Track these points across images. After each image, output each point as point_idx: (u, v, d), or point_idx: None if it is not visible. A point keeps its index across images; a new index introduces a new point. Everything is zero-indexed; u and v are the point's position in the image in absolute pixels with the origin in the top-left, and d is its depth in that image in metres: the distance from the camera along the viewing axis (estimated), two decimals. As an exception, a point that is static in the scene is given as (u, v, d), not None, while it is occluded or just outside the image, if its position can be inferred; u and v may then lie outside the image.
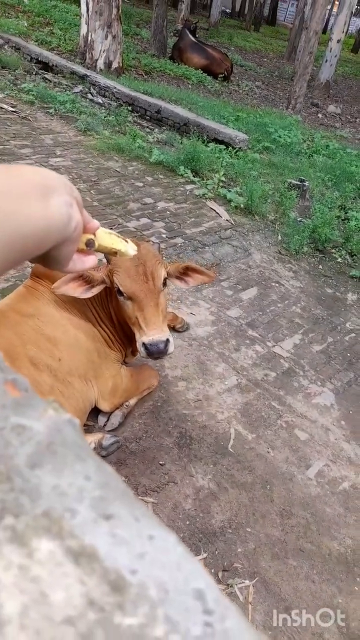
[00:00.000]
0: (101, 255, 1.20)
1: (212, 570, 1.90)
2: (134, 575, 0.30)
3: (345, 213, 5.34)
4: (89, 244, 0.79)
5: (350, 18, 12.76)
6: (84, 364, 2.14)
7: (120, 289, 2.00)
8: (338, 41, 12.26)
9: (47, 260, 0.67)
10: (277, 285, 4.00)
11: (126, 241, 0.93)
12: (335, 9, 16.20)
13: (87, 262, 0.79)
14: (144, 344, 1.94)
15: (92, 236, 0.79)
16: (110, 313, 2.28)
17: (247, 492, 2.24)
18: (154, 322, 1.97)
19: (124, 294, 2.00)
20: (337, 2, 12.84)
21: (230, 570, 1.92)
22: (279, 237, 4.70)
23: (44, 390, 1.91)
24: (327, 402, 2.91)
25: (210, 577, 0.32)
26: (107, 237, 0.87)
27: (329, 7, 21.71)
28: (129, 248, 0.93)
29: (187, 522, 2.05)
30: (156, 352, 1.94)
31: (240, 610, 0.30)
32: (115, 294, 2.07)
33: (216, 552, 1.97)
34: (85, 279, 2.02)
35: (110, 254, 0.91)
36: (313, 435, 2.65)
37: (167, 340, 1.96)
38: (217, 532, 2.04)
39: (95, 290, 2.05)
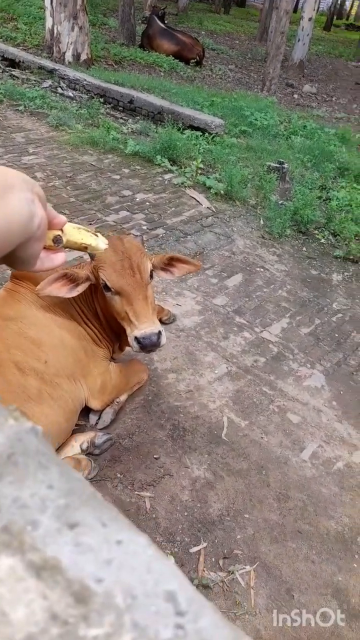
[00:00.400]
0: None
1: (213, 559, 1.92)
2: (99, 583, 0.30)
3: (327, 193, 5.33)
4: (57, 240, 0.77)
5: (319, -5, 12.65)
6: (71, 364, 2.12)
7: (108, 284, 1.98)
8: (310, 19, 12.17)
9: (13, 261, 0.65)
10: (261, 270, 3.99)
11: (96, 235, 0.91)
12: (304, -13, 16.06)
13: (56, 259, 0.77)
14: (136, 338, 1.93)
15: (59, 232, 0.77)
16: (95, 310, 2.26)
17: (243, 478, 2.25)
18: (145, 315, 1.96)
19: (112, 289, 1.99)
20: (305, -20, 12.70)
21: (230, 557, 1.93)
22: (261, 222, 4.69)
23: (31, 395, 1.89)
24: (318, 383, 2.92)
25: (184, 577, 0.31)
26: (75, 232, 0.85)
27: (297, -15, 21.54)
28: (99, 242, 0.91)
29: (185, 513, 2.06)
30: (149, 345, 1.93)
31: (215, 608, 0.30)
32: (102, 290, 2.05)
33: (216, 541, 1.98)
34: (69, 277, 2.00)
35: (80, 250, 0.89)
36: (305, 417, 2.66)
37: (159, 332, 1.95)
38: (215, 521, 2.05)
39: (81, 289, 2.03)
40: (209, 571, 1.87)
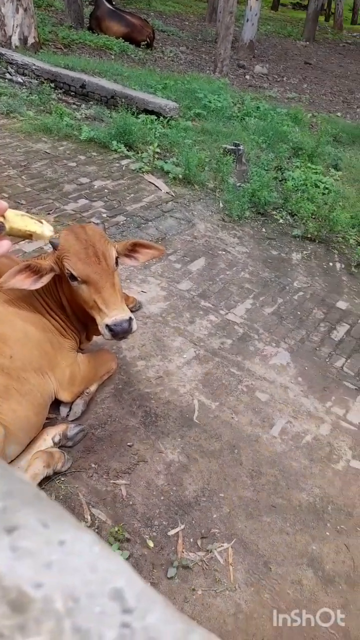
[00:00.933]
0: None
1: (192, 539, 1.95)
2: (38, 589, 0.28)
3: (282, 174, 5.39)
4: None
5: (266, -26, 12.60)
6: (37, 357, 2.09)
7: (74, 273, 1.95)
8: (257, -1, 12.12)
9: None
10: (223, 253, 4.02)
11: (41, 222, 0.89)
12: (251, -34, 15.92)
13: (0, 247, 0.74)
14: (107, 325, 1.92)
15: (1, 219, 0.74)
16: (60, 300, 2.22)
17: (216, 459, 2.29)
18: (114, 302, 1.95)
19: (78, 279, 1.96)
20: None
21: (208, 536, 1.97)
22: (221, 205, 4.70)
23: (-2, 392, 1.85)
24: (283, 361, 2.99)
25: (133, 572, 0.31)
26: (18, 220, 0.82)
27: None
28: (44, 229, 0.89)
29: (162, 498, 2.08)
30: (121, 331, 1.93)
31: (167, 601, 0.30)
32: (67, 280, 2.02)
33: (193, 522, 2.01)
34: (32, 269, 1.96)
35: (24, 237, 0.86)
36: (273, 395, 2.73)
37: (130, 318, 1.95)
38: (191, 503, 2.08)
39: (45, 280, 2.00)
40: (188, 552, 1.90)
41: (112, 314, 1.92)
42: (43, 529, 0.31)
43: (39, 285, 1.98)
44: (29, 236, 0.85)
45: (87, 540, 0.31)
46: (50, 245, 2.03)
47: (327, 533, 2.05)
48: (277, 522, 2.06)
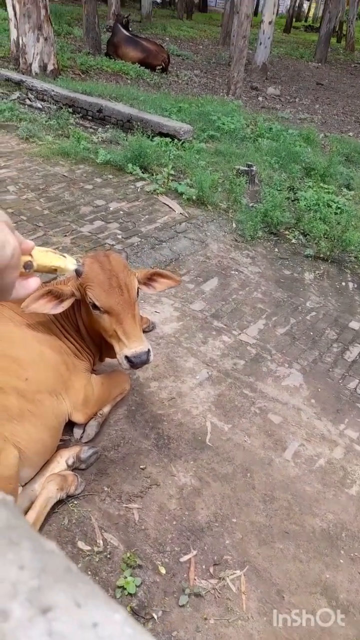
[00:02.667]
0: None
1: (204, 566, 1.93)
2: None
3: (294, 194, 5.43)
4: (27, 266, 0.77)
5: (279, -1, 12.88)
6: (52, 379, 2.12)
7: (97, 304, 1.99)
8: (270, 23, 12.36)
9: None
10: (236, 273, 4.04)
11: (64, 256, 0.92)
12: (263, -9, 16.29)
13: (30, 285, 0.76)
14: (127, 357, 1.96)
15: (29, 258, 0.77)
16: (76, 323, 2.27)
17: (229, 483, 2.28)
18: (134, 334, 1.99)
19: (101, 309, 2.00)
20: (264, -16, 12.91)
21: (220, 563, 1.95)
22: (234, 225, 4.75)
23: (13, 414, 1.88)
24: (296, 382, 2.98)
25: None
26: (43, 256, 0.86)
27: (257, -12, 21.83)
28: (67, 263, 0.92)
29: (174, 522, 2.07)
30: (139, 363, 1.98)
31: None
32: (86, 305, 2.06)
33: (205, 548, 1.99)
34: (54, 294, 2.02)
35: (50, 272, 0.90)
36: (286, 417, 2.71)
37: (149, 350, 2.00)
38: (204, 528, 2.07)
39: (66, 305, 2.05)
40: (200, 579, 1.88)
41: (132, 346, 1.96)
42: (76, 608, 0.31)
43: (59, 310, 2.03)
44: (53, 271, 0.89)
45: (118, 620, 0.31)
46: (75, 273, 2.07)
47: (341, 560, 2.01)
48: (290, 549, 2.04)
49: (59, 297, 2.03)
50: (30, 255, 0.77)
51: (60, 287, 2.05)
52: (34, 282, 0.77)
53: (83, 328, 2.27)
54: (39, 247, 0.84)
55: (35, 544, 0.34)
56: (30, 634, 0.28)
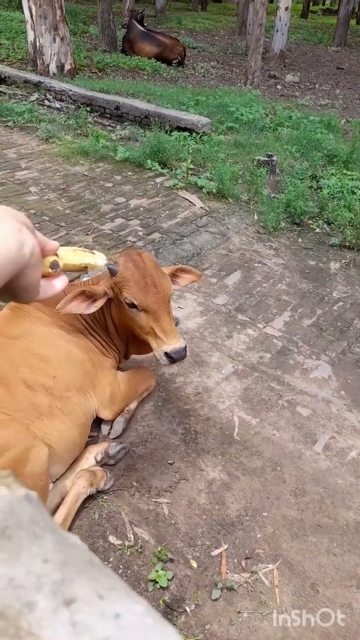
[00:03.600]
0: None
1: (235, 560, 1.92)
2: None
3: (317, 182, 5.32)
4: (54, 266, 0.77)
5: (295, -16, 12.61)
6: (79, 377, 2.13)
7: (134, 302, 2.03)
8: (286, 9, 12.13)
9: (15, 293, 0.64)
10: (259, 265, 3.99)
11: (92, 253, 0.91)
12: (279, -24, 15.97)
13: (57, 285, 0.77)
14: (166, 353, 2.03)
15: (55, 257, 0.77)
16: (104, 321, 2.29)
17: (259, 477, 2.26)
18: (172, 331, 2.06)
19: (138, 307, 2.04)
20: (279, -31, 12.64)
21: (252, 557, 1.94)
22: (255, 217, 4.69)
23: (43, 411, 1.90)
24: (325, 374, 2.93)
25: None
26: (71, 255, 0.85)
27: (272, -25, 21.44)
28: (97, 260, 0.91)
29: (204, 517, 2.07)
30: (178, 359, 2.06)
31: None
32: (120, 305, 2.10)
33: (236, 542, 1.98)
34: (87, 294, 2.05)
35: (80, 271, 0.89)
36: (315, 409, 2.67)
37: (185, 346, 2.07)
38: (234, 522, 2.06)
39: (99, 304, 2.08)
40: (232, 573, 1.88)
41: (171, 342, 2.03)
42: (98, 600, 0.31)
43: (92, 309, 2.06)
44: (84, 269, 0.88)
45: (139, 611, 0.32)
46: (108, 271, 2.10)
47: (377, 554, 1.97)
48: (324, 542, 2.01)
49: (91, 297, 2.05)
50: (56, 255, 0.77)
51: (92, 287, 2.07)
52: (61, 282, 0.77)
53: (112, 325, 2.29)
54: (65, 247, 0.84)
55: (58, 537, 0.35)
56: (55, 625, 0.29)
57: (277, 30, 12.47)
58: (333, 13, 26.31)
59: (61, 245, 0.79)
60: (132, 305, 2.04)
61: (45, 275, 0.76)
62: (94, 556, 0.35)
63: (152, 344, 2.09)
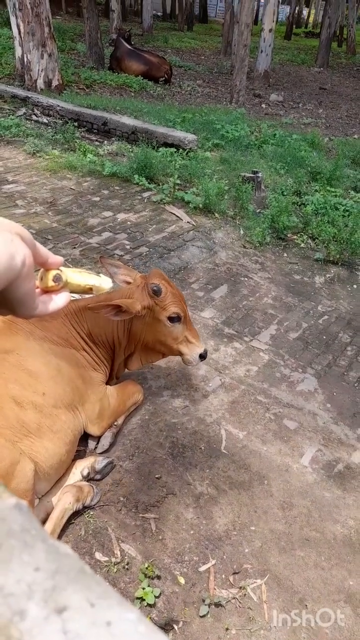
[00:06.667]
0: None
1: (223, 576, 1.91)
2: None
3: (301, 198, 5.42)
4: (56, 279, 0.76)
5: (278, 7, 12.98)
6: (69, 393, 2.11)
7: (181, 315, 2.27)
8: (270, 30, 12.46)
9: (8, 306, 0.64)
10: (246, 279, 4.03)
11: (99, 275, 0.90)
12: (262, 0, 16.45)
13: (59, 301, 0.75)
14: (201, 355, 2.37)
15: (57, 271, 0.76)
16: (111, 336, 2.33)
17: (246, 490, 2.25)
18: (198, 336, 2.40)
19: (181, 320, 2.28)
20: (263, -7, 13.06)
21: (240, 572, 1.92)
22: (241, 232, 4.75)
23: (31, 429, 1.88)
24: (311, 387, 2.95)
25: None
26: (76, 275, 0.84)
27: (256, -2, 22.01)
28: (102, 282, 0.90)
29: (192, 532, 2.05)
30: (206, 356, 2.43)
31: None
32: (156, 321, 2.26)
33: (224, 557, 1.97)
34: (122, 310, 2.10)
35: (84, 292, 0.87)
36: (302, 422, 2.68)
37: None
38: (222, 537, 2.04)
39: (125, 316, 2.14)
40: (220, 589, 1.86)
41: (201, 345, 2.38)
42: (90, 608, 0.31)
43: (117, 318, 2.13)
44: (88, 290, 0.87)
45: (132, 619, 0.32)
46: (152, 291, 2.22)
47: (365, 568, 1.97)
48: (312, 556, 2.00)
49: (124, 310, 2.11)
50: (59, 270, 0.76)
51: (130, 304, 2.13)
52: (63, 298, 0.76)
53: (124, 340, 2.36)
54: (70, 267, 0.83)
55: (49, 546, 0.35)
56: (46, 633, 0.29)
57: (262, 51, 12.78)
58: (315, 36, 27.07)
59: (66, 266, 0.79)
60: (176, 320, 2.26)
61: (47, 290, 0.76)
62: (85, 565, 0.35)
63: (183, 350, 2.34)
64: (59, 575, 0.33)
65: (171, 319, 2.26)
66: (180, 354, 2.38)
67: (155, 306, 2.23)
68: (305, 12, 39.97)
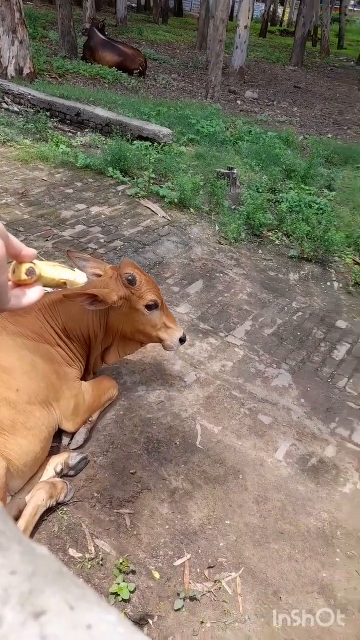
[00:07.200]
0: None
1: (199, 570, 1.91)
2: None
3: (276, 196, 5.46)
4: (30, 272, 0.74)
5: (254, 4, 13.02)
6: (43, 389, 2.07)
7: (158, 302, 2.28)
8: (245, 27, 12.48)
9: None
10: (221, 275, 4.04)
11: (73, 270, 0.89)
12: (238, -4, 16.45)
13: (32, 294, 0.74)
14: (180, 338, 2.39)
15: (31, 264, 0.74)
16: (87, 330, 2.28)
17: (221, 485, 2.26)
18: (174, 320, 2.42)
19: (159, 306, 2.29)
20: (239, -11, 13.05)
21: (215, 566, 1.93)
22: (217, 228, 4.75)
23: (5, 426, 1.83)
24: (285, 382, 2.98)
25: None
26: (50, 269, 0.82)
27: (232, -6, 22.04)
28: (77, 277, 0.88)
29: (167, 527, 2.04)
30: (186, 340, 2.46)
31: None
32: (139, 310, 2.24)
33: (199, 551, 1.97)
34: (98, 300, 2.07)
35: (58, 286, 0.86)
36: (276, 417, 2.71)
37: None
38: (197, 531, 2.04)
39: (100, 306, 2.11)
40: (195, 583, 1.86)
41: (179, 329, 2.41)
42: (69, 611, 0.30)
43: (92, 308, 2.09)
44: (62, 285, 0.85)
45: (112, 620, 0.31)
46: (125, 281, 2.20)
47: (338, 559, 2.01)
48: (286, 549, 2.03)
49: (98, 299, 2.07)
50: (33, 263, 0.74)
51: (107, 294, 2.10)
52: (36, 292, 0.75)
53: (100, 333, 2.32)
54: (44, 261, 0.81)
55: (25, 548, 0.34)
56: (24, 639, 0.28)
57: (237, 47, 12.79)
58: (290, 34, 27.33)
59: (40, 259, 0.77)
60: (154, 307, 2.26)
61: (20, 284, 0.74)
62: (63, 567, 0.34)
63: (163, 336, 2.36)
64: (36, 577, 0.32)
65: (149, 307, 2.26)
66: (160, 340, 2.39)
67: (132, 296, 2.21)
68: (280, 10, 40.27)
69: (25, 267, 0.72)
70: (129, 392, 2.71)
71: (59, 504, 2.03)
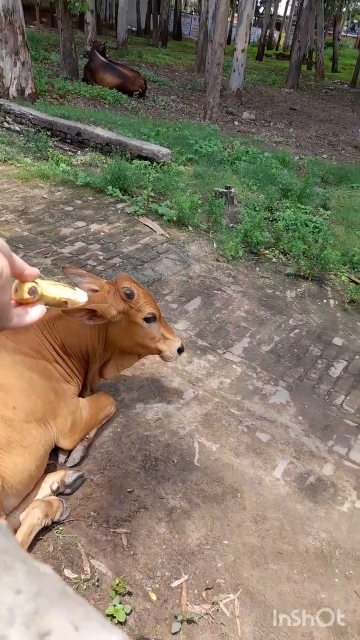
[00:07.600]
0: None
1: (196, 591, 1.88)
2: None
3: (273, 214, 5.53)
4: (32, 292, 0.75)
5: (250, 29, 13.35)
6: (40, 407, 2.06)
7: (156, 315, 2.29)
8: (242, 50, 12.78)
9: None
10: (219, 292, 4.06)
11: (74, 289, 0.90)
12: (235, 21, 16.87)
13: (34, 313, 0.74)
14: (179, 348, 2.41)
15: (33, 283, 0.75)
16: (85, 346, 2.27)
17: (219, 504, 2.24)
18: (172, 331, 2.43)
19: (156, 319, 2.30)
20: (236, 15, 13.41)
21: (213, 587, 1.90)
22: (214, 245, 4.79)
23: (0, 445, 1.82)
24: (283, 400, 2.98)
25: None
26: (52, 287, 0.83)
27: (229, 19, 22.63)
28: (78, 296, 0.90)
29: (164, 546, 2.01)
30: (184, 350, 2.49)
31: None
32: (138, 323, 2.27)
33: (197, 572, 1.94)
34: (97, 315, 2.07)
35: (59, 305, 0.87)
36: (274, 435, 2.69)
37: None
38: (195, 551, 2.02)
39: (98, 321, 2.11)
40: (193, 605, 1.83)
41: (176, 339, 2.41)
42: (74, 632, 0.30)
43: (90, 322, 2.09)
44: (63, 303, 0.86)
45: None
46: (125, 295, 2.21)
47: (336, 580, 1.98)
48: (284, 570, 2.00)
49: (97, 314, 2.07)
50: (35, 282, 0.75)
51: (106, 309, 2.10)
52: (38, 311, 0.75)
53: (99, 347, 2.31)
54: (46, 280, 0.82)
55: (29, 567, 0.33)
56: None
57: (234, 70, 13.07)
58: (286, 58, 27.96)
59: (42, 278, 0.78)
60: (152, 319, 2.28)
61: (22, 303, 0.74)
62: (67, 586, 0.34)
63: (161, 347, 2.37)
64: (41, 597, 0.31)
65: (147, 320, 2.26)
66: (159, 351, 2.40)
67: (130, 309, 2.22)
68: (276, 34, 41.29)
69: (28, 286, 0.73)
70: (127, 409, 2.70)
71: (55, 523, 2.00)
